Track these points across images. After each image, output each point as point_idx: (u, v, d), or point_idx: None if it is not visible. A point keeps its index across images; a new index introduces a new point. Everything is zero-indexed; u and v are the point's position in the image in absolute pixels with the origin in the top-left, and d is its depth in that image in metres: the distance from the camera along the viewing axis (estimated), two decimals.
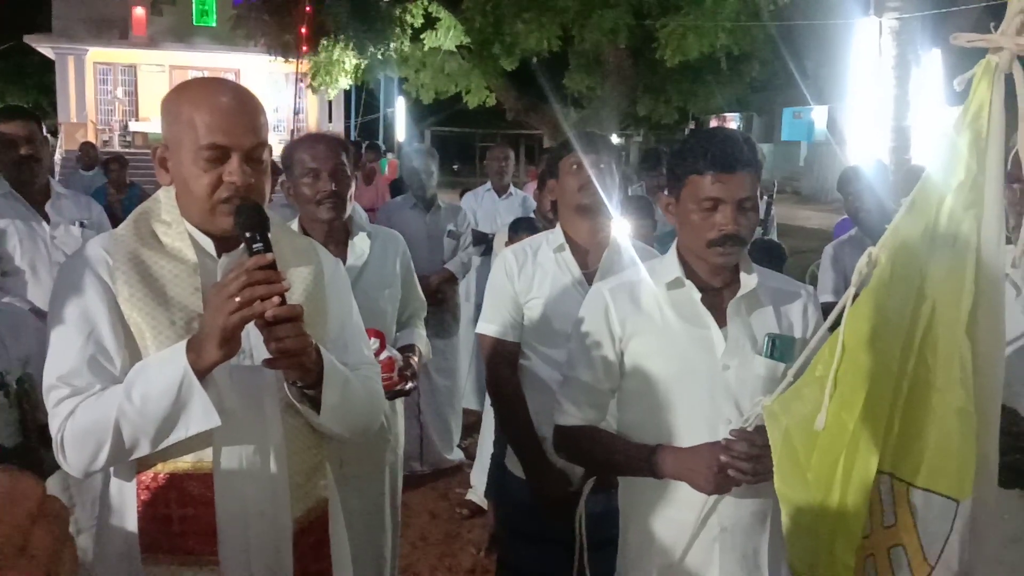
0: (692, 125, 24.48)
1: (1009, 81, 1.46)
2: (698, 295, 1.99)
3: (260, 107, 1.73)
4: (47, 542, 0.56)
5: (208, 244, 1.73)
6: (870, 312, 1.58)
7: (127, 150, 19.78)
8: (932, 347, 1.52)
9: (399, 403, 3.04)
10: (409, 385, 2.81)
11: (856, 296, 1.63)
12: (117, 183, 8.80)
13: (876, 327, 1.57)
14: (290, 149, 2.88)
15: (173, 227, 1.72)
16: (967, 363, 1.47)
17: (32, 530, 0.55)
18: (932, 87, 13.27)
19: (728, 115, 25.40)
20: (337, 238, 2.86)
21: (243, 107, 1.68)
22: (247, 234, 1.58)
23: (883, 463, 1.57)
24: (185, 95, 1.69)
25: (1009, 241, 1.83)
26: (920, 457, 1.53)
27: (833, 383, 1.60)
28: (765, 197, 6.34)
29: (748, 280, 1.99)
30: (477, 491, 4.76)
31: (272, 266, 1.53)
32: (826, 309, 2.10)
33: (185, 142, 1.65)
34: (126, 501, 1.67)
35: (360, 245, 2.89)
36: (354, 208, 2.92)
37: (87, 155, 10.98)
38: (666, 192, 2.07)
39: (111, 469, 1.68)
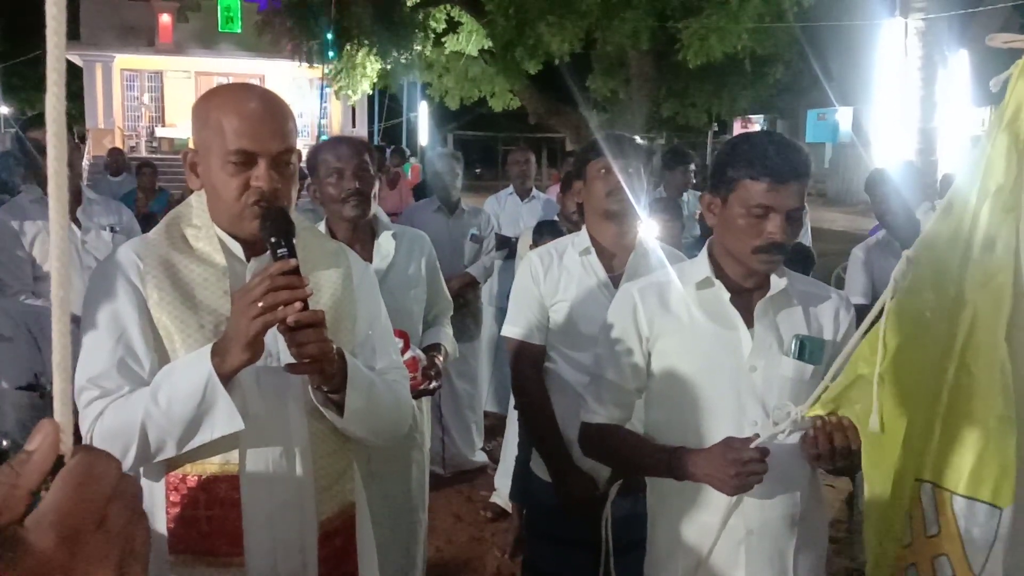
0: (715, 128, 24.38)
1: None
2: (727, 295, 1.98)
3: (288, 113, 1.75)
4: (123, 519, 0.59)
5: (237, 248, 1.75)
6: (910, 316, 1.57)
7: (153, 155, 19.99)
8: (974, 354, 1.50)
9: (425, 403, 3.06)
10: (433, 384, 2.83)
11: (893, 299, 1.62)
12: (147, 188, 8.90)
13: (915, 331, 1.56)
14: (314, 152, 2.93)
15: (203, 231, 1.74)
16: (1007, 369, 1.45)
17: (109, 508, 0.58)
18: (959, 88, 13.15)
19: (752, 117, 25.27)
20: (363, 239, 2.88)
21: (271, 113, 1.70)
22: (272, 239, 1.59)
23: (924, 471, 1.56)
24: (214, 101, 1.71)
25: None
26: (963, 465, 1.52)
27: (878, 385, 1.59)
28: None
29: (778, 281, 1.98)
30: (501, 494, 4.76)
31: (295, 272, 1.54)
32: (856, 312, 2.09)
33: (214, 147, 1.66)
34: (155, 502, 1.69)
35: (386, 246, 2.92)
36: (377, 210, 2.95)
37: (115, 161, 11.12)
38: (709, 192, 2.04)
39: (140, 470, 1.70)
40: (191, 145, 1.76)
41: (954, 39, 13.17)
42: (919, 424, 1.57)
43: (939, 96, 13.07)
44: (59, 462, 0.59)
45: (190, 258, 1.72)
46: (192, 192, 1.81)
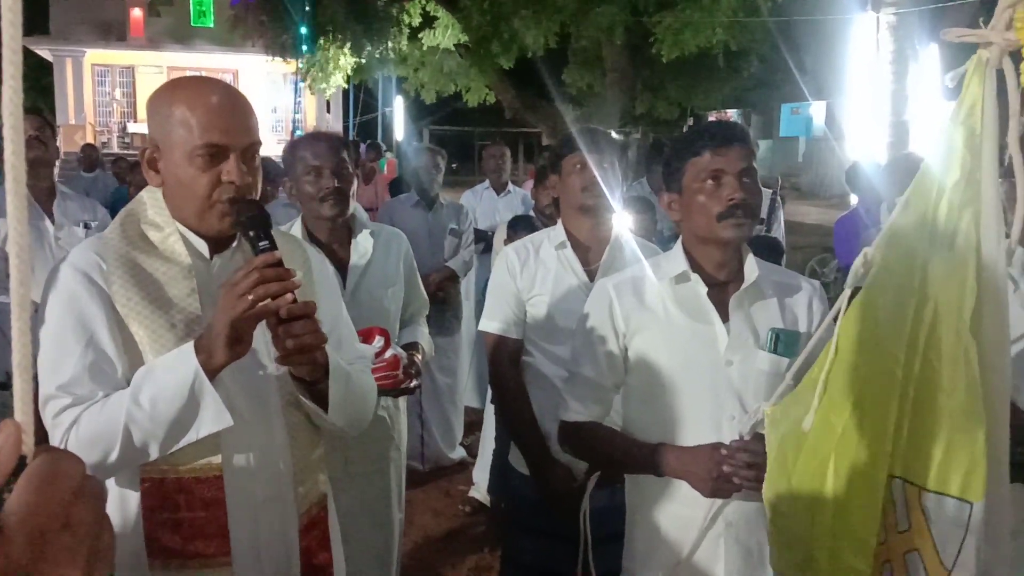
0: (691, 122, 24.46)
1: (1001, 76, 1.46)
2: (704, 289, 2.00)
3: (251, 106, 1.73)
4: (88, 519, 0.58)
5: (201, 245, 1.71)
6: (863, 313, 1.58)
7: (126, 151, 19.77)
8: (936, 348, 1.51)
9: (402, 401, 3.05)
10: (414, 383, 2.82)
11: (852, 297, 1.63)
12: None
13: (869, 327, 1.56)
14: (291, 148, 2.89)
15: (165, 229, 1.70)
16: (973, 363, 1.46)
17: (74, 507, 0.57)
18: (930, 82, 13.29)
19: (727, 111, 25.38)
20: (340, 237, 2.86)
21: (237, 106, 1.67)
22: (251, 233, 1.58)
23: (894, 467, 1.57)
24: (177, 94, 1.67)
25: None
26: (930, 460, 1.51)
27: (824, 385, 1.60)
28: (770, 193, 6.36)
29: (751, 271, 2.00)
30: (480, 488, 4.77)
31: (280, 263, 1.53)
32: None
33: (179, 142, 1.62)
34: (130, 509, 1.65)
35: (363, 244, 2.90)
36: (356, 207, 2.93)
37: (89, 157, 11.00)
38: (666, 192, 2.08)
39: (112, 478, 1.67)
40: (149, 141, 1.70)
41: (925, 33, 13.30)
42: (889, 421, 1.57)
43: (911, 90, 13.21)
44: (21, 463, 0.58)
45: (153, 257, 1.68)
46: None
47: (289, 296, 1.51)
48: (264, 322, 1.56)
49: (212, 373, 1.53)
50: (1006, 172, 1.79)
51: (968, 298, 1.47)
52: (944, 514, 1.50)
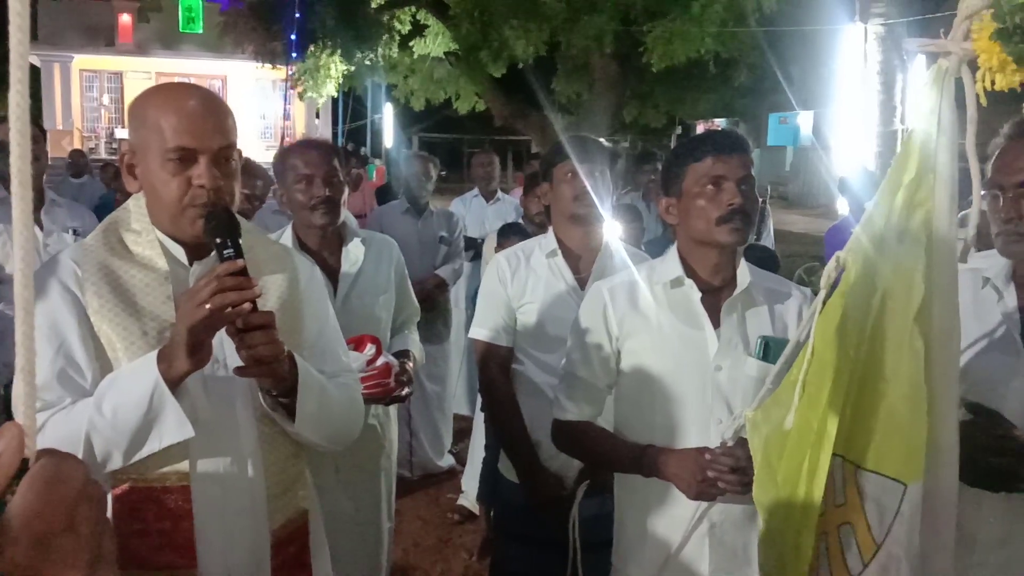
0: (679, 131, 24.57)
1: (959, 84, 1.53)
2: (698, 295, 2.02)
3: (227, 109, 1.71)
4: (91, 522, 0.59)
5: (179, 252, 1.70)
6: (837, 314, 1.61)
7: (113, 157, 19.68)
8: (881, 337, 1.56)
9: (392, 409, 3.05)
10: (406, 391, 2.81)
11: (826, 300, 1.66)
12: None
13: (840, 327, 1.60)
14: (282, 156, 2.88)
15: (143, 235, 1.69)
16: (919, 353, 1.50)
17: (76, 510, 0.58)
18: (917, 92, 13.41)
19: (715, 121, 25.49)
20: (331, 245, 2.86)
21: (209, 109, 1.66)
22: (217, 240, 1.56)
23: (836, 446, 1.61)
24: (151, 100, 1.67)
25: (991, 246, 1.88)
26: (868, 440, 1.57)
27: (802, 385, 1.63)
28: (759, 202, 6.38)
29: (743, 277, 2.03)
30: (468, 496, 4.76)
31: (243, 272, 1.50)
32: None
33: (152, 147, 1.62)
34: None
35: (354, 252, 2.89)
36: (347, 215, 2.93)
37: (76, 163, 10.95)
38: (664, 196, 2.10)
39: None
40: (128, 146, 1.70)
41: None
42: (839, 409, 1.61)
43: (898, 100, 13.33)
44: (24, 465, 0.58)
45: (130, 263, 1.67)
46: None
47: (247, 306, 1.49)
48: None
49: (174, 382, 1.52)
50: (991, 184, 1.83)
51: (916, 292, 1.51)
52: (878, 492, 1.56)
